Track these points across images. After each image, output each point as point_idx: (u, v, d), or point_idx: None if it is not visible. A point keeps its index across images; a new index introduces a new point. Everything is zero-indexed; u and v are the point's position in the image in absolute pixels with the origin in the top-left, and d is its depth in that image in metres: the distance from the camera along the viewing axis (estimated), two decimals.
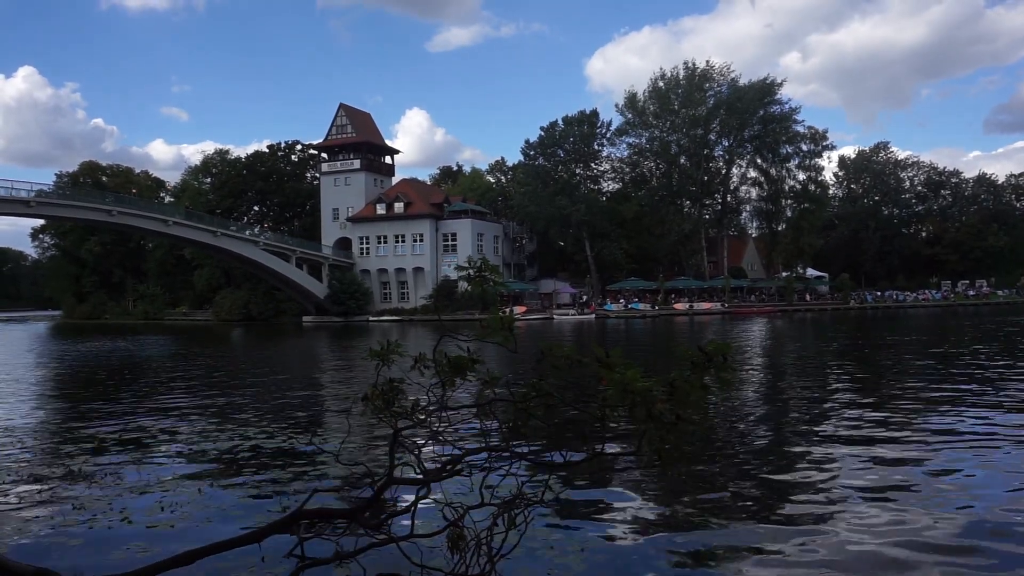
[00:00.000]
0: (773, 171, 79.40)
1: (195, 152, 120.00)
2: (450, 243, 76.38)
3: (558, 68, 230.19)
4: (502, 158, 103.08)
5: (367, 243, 78.83)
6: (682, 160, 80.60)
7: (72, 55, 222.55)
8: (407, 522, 3.47)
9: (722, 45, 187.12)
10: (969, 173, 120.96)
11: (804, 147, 78.93)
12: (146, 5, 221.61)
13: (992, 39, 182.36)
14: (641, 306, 71.35)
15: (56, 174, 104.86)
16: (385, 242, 77.99)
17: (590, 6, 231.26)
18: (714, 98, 78.93)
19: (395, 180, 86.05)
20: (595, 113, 79.85)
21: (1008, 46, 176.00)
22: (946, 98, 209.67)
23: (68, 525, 6.94)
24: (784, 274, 79.36)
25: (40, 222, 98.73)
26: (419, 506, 3.54)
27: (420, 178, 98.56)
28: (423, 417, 3.50)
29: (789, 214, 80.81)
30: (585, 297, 75.88)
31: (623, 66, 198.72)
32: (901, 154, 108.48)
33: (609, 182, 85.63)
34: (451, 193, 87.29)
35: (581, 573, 5.59)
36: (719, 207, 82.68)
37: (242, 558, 4.98)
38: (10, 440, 11.63)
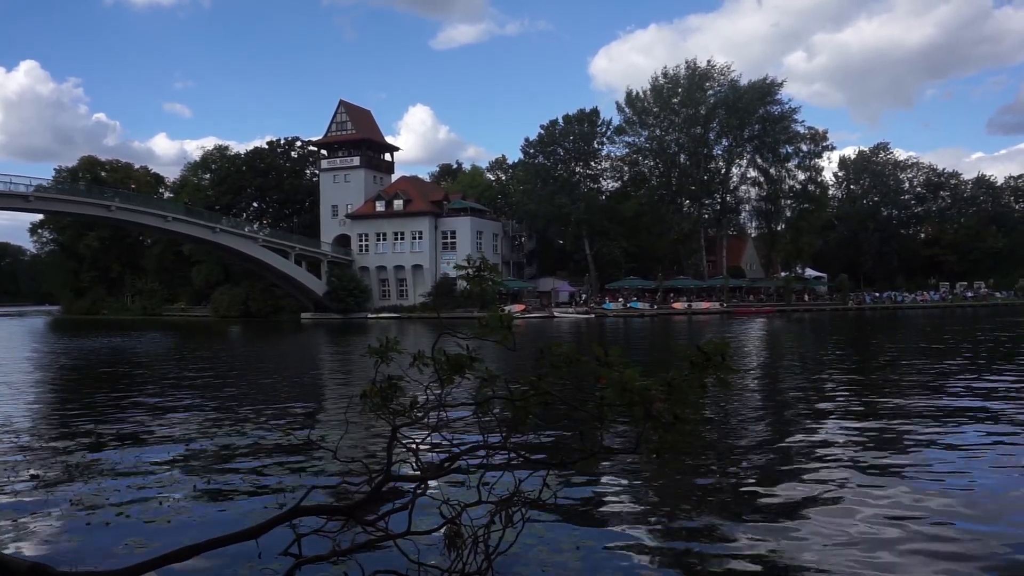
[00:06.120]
0: (773, 171, 79.39)
1: (197, 148, 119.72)
2: (449, 241, 76.35)
3: (563, 66, 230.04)
4: (502, 156, 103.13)
5: (366, 240, 78.79)
6: (682, 159, 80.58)
7: (75, 50, 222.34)
8: (404, 519, 3.47)
9: (727, 43, 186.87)
10: (971, 174, 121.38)
11: (804, 147, 79.04)
12: (151, 1, 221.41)
13: (998, 39, 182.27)
14: (640, 305, 71.33)
15: (55, 169, 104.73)
16: (384, 239, 77.94)
17: (596, 4, 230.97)
18: (714, 97, 78.93)
19: (395, 177, 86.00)
20: (595, 111, 79.80)
21: (1014, 46, 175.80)
22: (950, 99, 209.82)
23: (65, 520, 6.94)
24: (783, 274, 79.34)
25: (39, 217, 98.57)
26: (416, 503, 3.54)
27: (421, 175, 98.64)
28: (421, 415, 3.49)
29: (788, 214, 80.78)
30: (584, 296, 75.83)
31: (628, 64, 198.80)
32: (901, 155, 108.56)
33: (608, 181, 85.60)
34: (451, 191, 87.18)
35: (577, 571, 5.59)
36: (718, 206, 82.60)
37: (239, 554, 4.98)
38: (7, 436, 11.62)
